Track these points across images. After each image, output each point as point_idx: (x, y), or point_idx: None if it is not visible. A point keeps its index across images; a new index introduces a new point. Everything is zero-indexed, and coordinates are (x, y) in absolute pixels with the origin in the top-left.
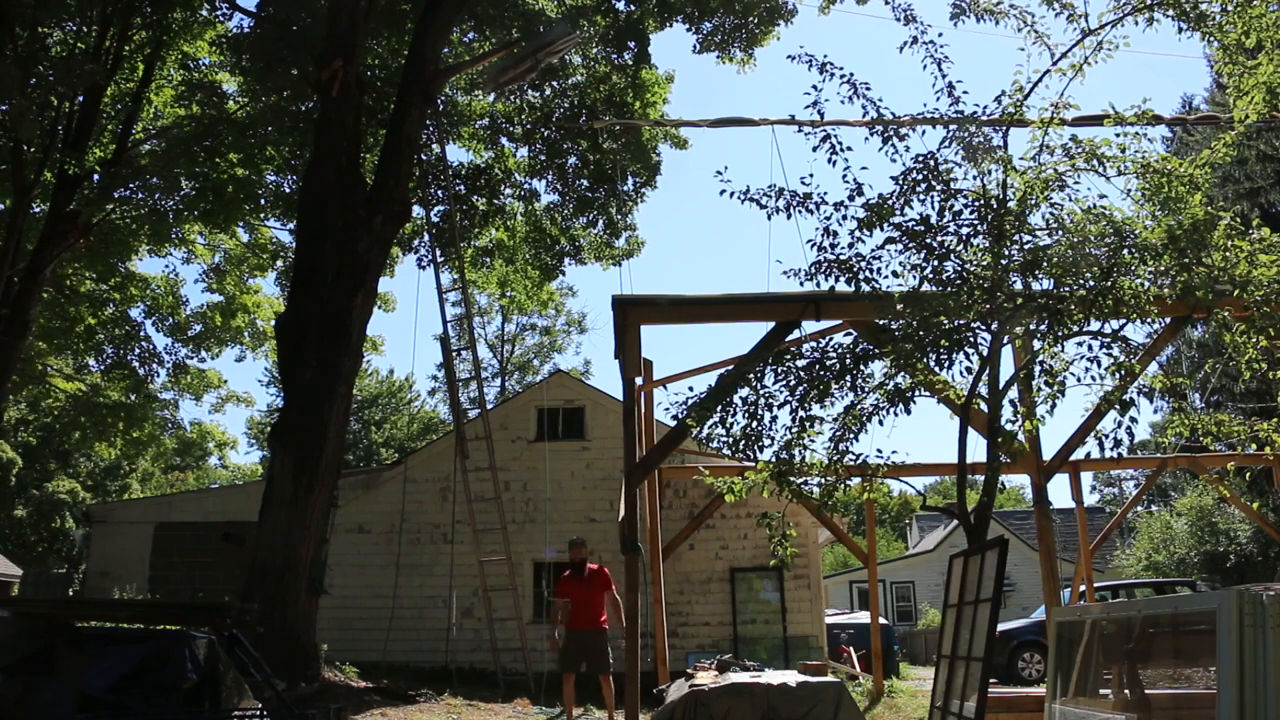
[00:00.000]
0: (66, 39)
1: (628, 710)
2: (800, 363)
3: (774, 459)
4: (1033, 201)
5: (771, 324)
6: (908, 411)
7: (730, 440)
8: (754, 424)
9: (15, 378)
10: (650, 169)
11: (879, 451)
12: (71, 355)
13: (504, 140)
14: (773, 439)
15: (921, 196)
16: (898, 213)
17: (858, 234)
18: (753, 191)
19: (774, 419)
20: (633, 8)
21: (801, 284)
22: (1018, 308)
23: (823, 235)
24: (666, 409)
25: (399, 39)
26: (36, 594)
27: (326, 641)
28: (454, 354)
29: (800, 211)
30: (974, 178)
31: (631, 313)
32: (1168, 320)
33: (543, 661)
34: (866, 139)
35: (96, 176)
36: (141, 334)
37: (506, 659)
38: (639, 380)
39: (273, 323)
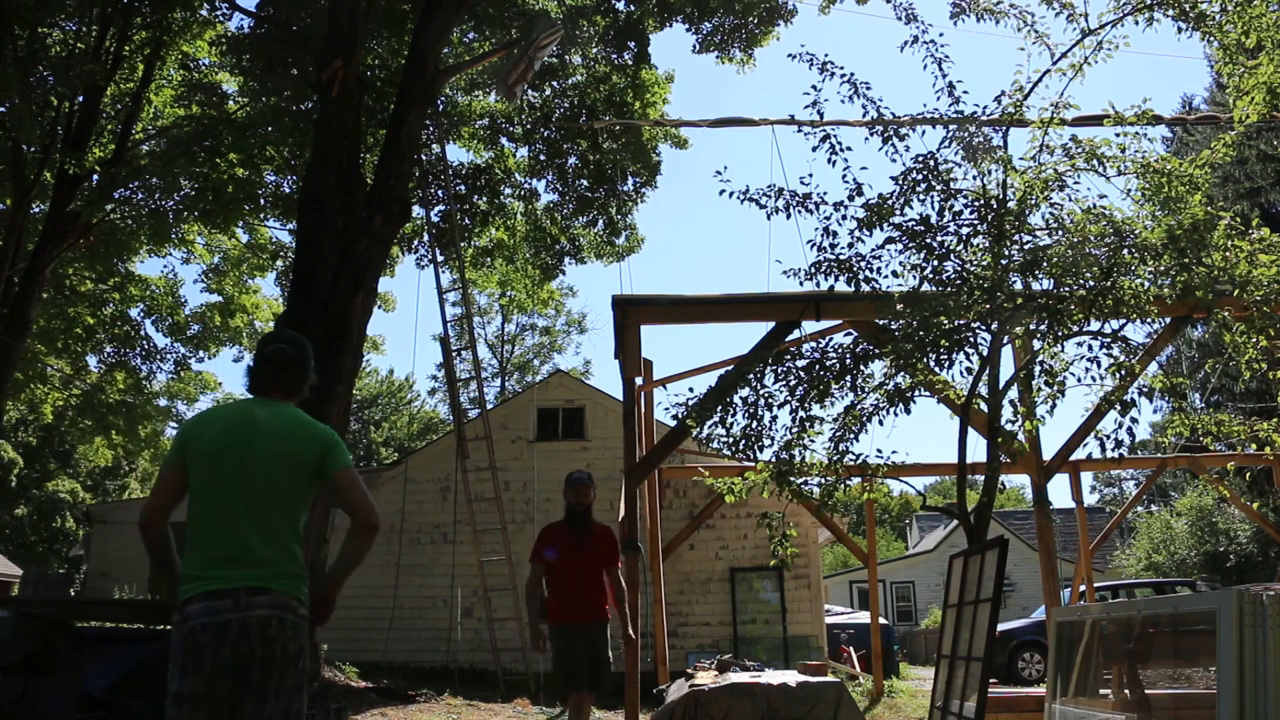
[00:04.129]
0: (66, 39)
1: (627, 710)
2: (800, 363)
3: (774, 459)
4: (1033, 201)
5: (771, 324)
6: (908, 411)
7: (730, 440)
8: (754, 424)
9: (18, 375)
10: (650, 169)
11: (879, 451)
12: (70, 356)
13: (504, 140)
14: (773, 439)
15: (921, 196)
16: (897, 213)
17: (857, 234)
18: (752, 191)
19: (774, 419)
20: (633, 8)
21: (801, 284)
22: (1018, 308)
23: (822, 235)
24: (666, 409)
25: (399, 39)
26: (37, 594)
27: (326, 641)
28: (454, 354)
29: (800, 211)
30: (974, 178)
31: (631, 313)
32: (1168, 320)
33: (543, 661)
34: (866, 139)
35: (96, 176)
36: (142, 333)
37: (506, 659)
38: (639, 380)
39: (272, 323)
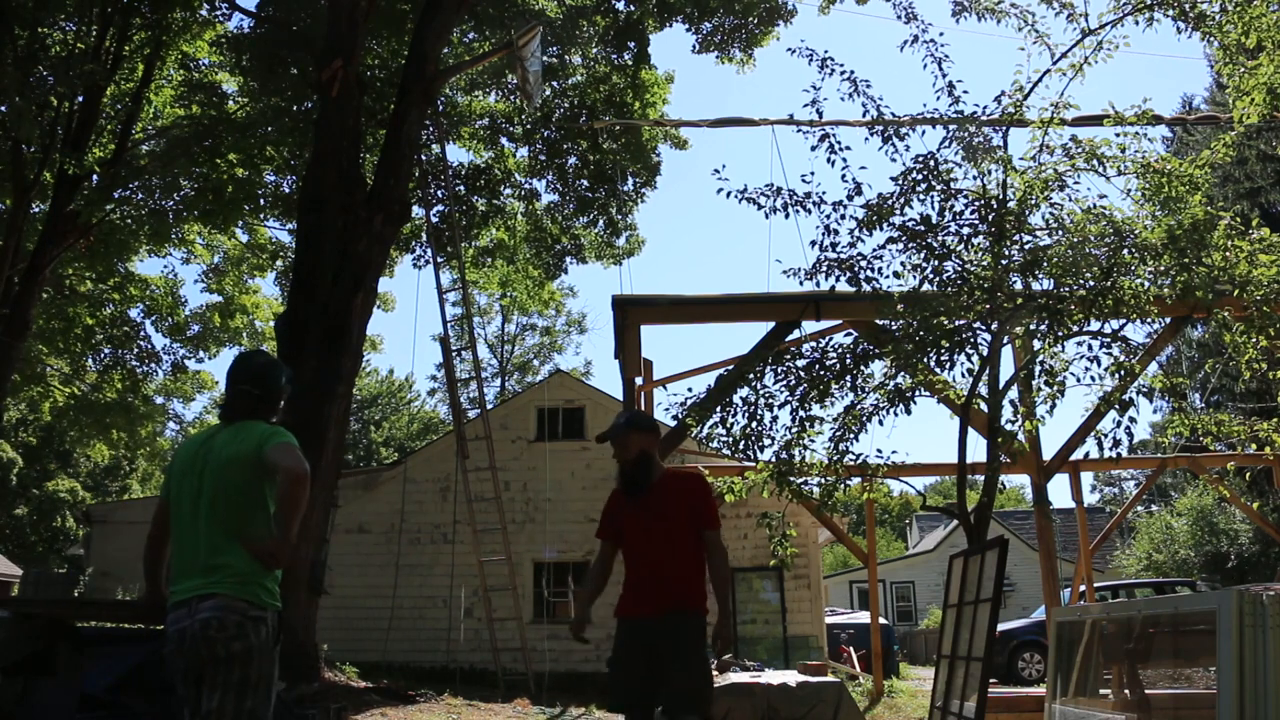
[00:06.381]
0: (66, 39)
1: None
2: (800, 363)
3: (774, 459)
4: (1033, 201)
5: (771, 324)
6: (908, 411)
7: (730, 440)
8: (754, 424)
9: (16, 377)
10: (650, 169)
11: (879, 451)
12: (69, 356)
13: (504, 140)
14: (773, 439)
15: (921, 196)
16: (898, 212)
17: (858, 234)
18: (750, 191)
19: (774, 419)
20: (633, 8)
21: (801, 284)
22: (1018, 308)
23: (824, 234)
24: (666, 409)
25: (399, 39)
26: (37, 594)
27: (326, 641)
28: (454, 354)
29: (798, 211)
30: (974, 178)
31: (631, 313)
32: (1168, 320)
33: (543, 661)
34: (866, 139)
35: (96, 177)
36: (141, 334)
37: (506, 659)
38: (639, 380)
39: (272, 323)
